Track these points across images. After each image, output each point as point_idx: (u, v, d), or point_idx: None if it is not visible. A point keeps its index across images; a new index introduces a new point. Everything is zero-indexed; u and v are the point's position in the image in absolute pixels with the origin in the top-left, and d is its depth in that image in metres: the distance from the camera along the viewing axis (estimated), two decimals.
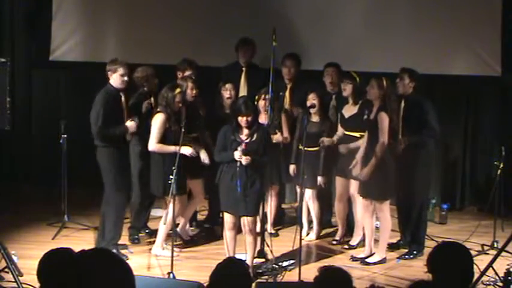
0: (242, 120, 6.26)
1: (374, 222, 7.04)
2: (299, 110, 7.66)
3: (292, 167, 7.57)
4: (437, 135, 7.19)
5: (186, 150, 6.76)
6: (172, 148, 6.69)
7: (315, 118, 7.43)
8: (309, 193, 7.53)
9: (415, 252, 7.13)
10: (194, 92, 7.21)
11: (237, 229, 6.53)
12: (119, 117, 6.83)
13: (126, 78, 6.81)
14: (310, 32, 8.82)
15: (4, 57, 7.02)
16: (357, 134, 7.15)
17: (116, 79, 6.77)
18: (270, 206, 7.42)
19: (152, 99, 7.23)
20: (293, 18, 8.79)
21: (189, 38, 8.86)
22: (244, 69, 8.10)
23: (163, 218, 6.88)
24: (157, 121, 6.82)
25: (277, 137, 7.39)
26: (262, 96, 7.28)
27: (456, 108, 9.10)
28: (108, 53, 8.93)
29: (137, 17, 9.03)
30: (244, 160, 6.19)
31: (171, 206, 6.59)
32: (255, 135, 6.31)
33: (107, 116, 6.69)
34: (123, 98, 6.90)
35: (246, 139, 6.30)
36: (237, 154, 6.21)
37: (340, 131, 7.36)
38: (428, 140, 7.14)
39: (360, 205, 7.10)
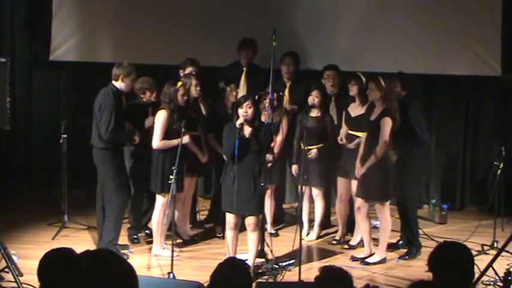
0: (242, 110, 6.21)
1: (369, 222, 7.02)
2: (295, 108, 7.66)
3: (294, 167, 7.57)
4: (423, 141, 7.18)
5: (185, 139, 6.69)
6: (175, 142, 6.69)
7: (314, 113, 7.42)
8: (315, 192, 7.54)
9: (414, 252, 7.13)
10: (198, 88, 7.23)
11: (239, 229, 6.52)
12: (122, 119, 6.84)
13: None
14: (311, 32, 8.81)
15: (4, 57, 7.02)
16: (361, 134, 7.11)
17: (127, 83, 6.79)
18: (269, 206, 7.41)
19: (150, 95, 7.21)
20: (293, 18, 8.78)
21: (189, 38, 8.84)
22: (244, 69, 8.10)
23: (164, 217, 6.86)
24: (160, 118, 6.82)
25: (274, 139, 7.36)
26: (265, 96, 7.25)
27: (456, 108, 9.09)
28: (108, 53, 8.94)
29: (137, 17, 9.01)
30: (245, 124, 6.18)
31: (159, 204, 6.80)
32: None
33: (115, 119, 6.70)
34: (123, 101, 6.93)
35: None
36: (238, 122, 6.18)
37: (344, 130, 7.36)
38: (415, 148, 7.15)
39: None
